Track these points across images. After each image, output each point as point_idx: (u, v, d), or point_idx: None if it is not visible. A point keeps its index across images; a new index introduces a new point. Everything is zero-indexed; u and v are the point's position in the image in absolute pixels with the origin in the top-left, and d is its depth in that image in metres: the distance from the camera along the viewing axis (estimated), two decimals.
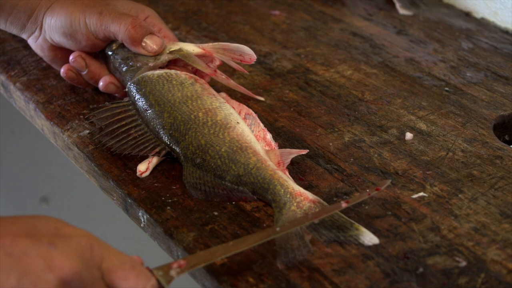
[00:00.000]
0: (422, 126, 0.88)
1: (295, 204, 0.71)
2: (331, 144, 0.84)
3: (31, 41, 0.91)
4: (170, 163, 0.81)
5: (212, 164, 0.76)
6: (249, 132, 0.79)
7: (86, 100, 0.92)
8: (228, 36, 1.10)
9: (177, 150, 0.79)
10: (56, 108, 0.91)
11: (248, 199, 0.75)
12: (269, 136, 0.81)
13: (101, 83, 0.89)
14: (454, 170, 0.80)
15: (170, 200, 0.75)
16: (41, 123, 0.91)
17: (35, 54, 1.02)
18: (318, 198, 0.72)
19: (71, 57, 0.89)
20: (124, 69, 0.87)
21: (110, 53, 0.89)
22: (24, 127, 1.59)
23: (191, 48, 0.87)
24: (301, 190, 0.73)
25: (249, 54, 0.86)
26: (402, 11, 1.20)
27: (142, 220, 0.75)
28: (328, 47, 1.07)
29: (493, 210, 0.74)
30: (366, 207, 0.74)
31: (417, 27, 1.15)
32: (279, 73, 1.00)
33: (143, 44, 0.86)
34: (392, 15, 1.19)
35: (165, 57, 0.86)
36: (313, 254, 0.68)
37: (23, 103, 0.95)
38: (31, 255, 0.54)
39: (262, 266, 0.67)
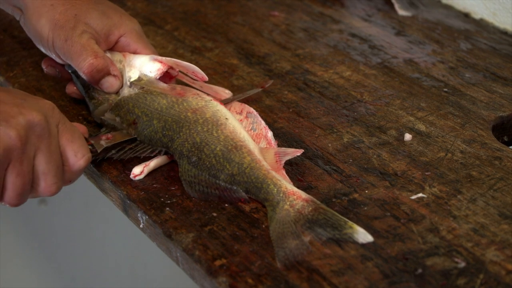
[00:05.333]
0: (421, 127, 0.88)
1: (288, 203, 0.71)
2: (330, 145, 0.84)
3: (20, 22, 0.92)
4: (169, 164, 0.81)
5: (207, 163, 0.76)
6: (240, 128, 0.79)
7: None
8: (227, 37, 1.10)
9: (173, 147, 0.79)
10: None
11: (241, 199, 0.75)
12: (270, 134, 0.81)
13: (67, 89, 0.92)
14: (453, 171, 0.80)
15: (169, 201, 0.75)
16: None
17: (34, 55, 1.02)
18: (312, 197, 0.72)
19: (43, 66, 0.91)
20: (85, 95, 0.89)
21: (70, 71, 0.90)
22: None
23: (149, 68, 0.87)
24: (294, 189, 0.73)
25: (200, 73, 0.86)
26: (401, 12, 1.20)
27: (141, 221, 0.75)
28: (327, 48, 1.08)
29: (492, 211, 0.74)
30: (365, 208, 0.74)
31: (416, 28, 1.15)
32: (278, 74, 1.00)
33: (100, 83, 0.87)
34: (391, 16, 1.19)
35: (125, 92, 0.86)
36: (311, 253, 0.68)
37: None
38: (7, 102, 0.68)
39: (261, 267, 0.67)
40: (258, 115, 0.83)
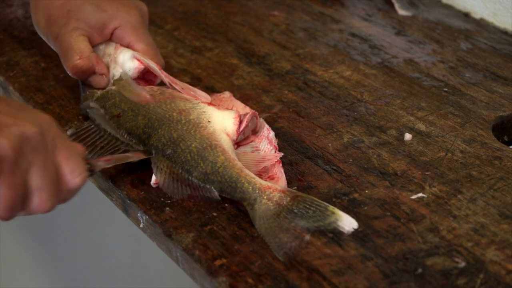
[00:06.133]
0: (421, 126, 0.88)
1: (265, 197, 0.71)
2: (330, 144, 0.84)
3: None
4: None
5: (182, 157, 0.76)
6: (220, 131, 0.78)
7: None
8: (227, 37, 1.10)
9: (149, 143, 0.79)
10: (55, 108, 0.91)
11: (212, 198, 0.74)
12: (272, 134, 0.81)
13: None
14: (453, 170, 0.80)
15: (169, 201, 0.75)
16: None
17: (33, 55, 1.02)
18: (288, 188, 0.72)
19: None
20: (80, 88, 0.90)
21: None
22: None
23: (128, 67, 0.87)
24: (269, 184, 0.72)
25: (158, 73, 0.86)
26: (401, 11, 1.20)
27: (141, 220, 0.75)
28: (327, 47, 1.08)
29: (492, 211, 0.74)
30: (365, 207, 0.74)
31: (416, 28, 1.15)
32: (278, 73, 1.00)
33: (88, 80, 0.88)
34: (391, 15, 1.19)
35: (112, 88, 0.87)
36: (311, 253, 0.68)
37: None
38: (3, 112, 0.64)
39: (261, 266, 0.67)
40: (259, 116, 0.83)
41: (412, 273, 0.66)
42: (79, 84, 0.90)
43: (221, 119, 0.80)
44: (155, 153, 0.78)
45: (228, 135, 0.78)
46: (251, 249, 0.69)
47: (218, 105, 0.85)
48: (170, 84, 0.86)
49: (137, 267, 1.58)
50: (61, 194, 0.68)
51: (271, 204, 0.71)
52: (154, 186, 0.77)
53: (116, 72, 0.88)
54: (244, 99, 0.91)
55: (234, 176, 0.73)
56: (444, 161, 0.82)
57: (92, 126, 0.84)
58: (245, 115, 0.80)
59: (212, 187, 0.74)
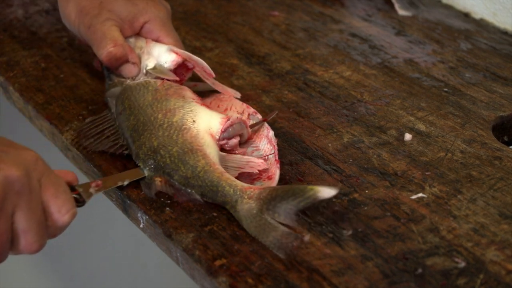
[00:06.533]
0: (421, 127, 0.88)
1: (246, 197, 0.71)
2: (330, 145, 0.84)
3: None
4: None
5: (162, 164, 0.76)
6: (204, 133, 0.78)
7: (85, 100, 0.92)
8: (227, 37, 1.10)
9: (132, 148, 0.80)
10: (55, 109, 0.91)
11: (196, 201, 0.74)
12: (271, 133, 0.81)
13: (94, 62, 0.96)
14: (453, 170, 0.80)
15: (169, 201, 0.75)
16: (40, 124, 0.91)
17: (34, 55, 1.02)
18: (269, 187, 0.72)
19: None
20: (106, 75, 0.91)
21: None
22: (23, 128, 1.59)
23: (165, 59, 0.89)
24: (250, 185, 0.73)
25: (208, 69, 0.88)
26: (401, 11, 1.20)
27: (141, 221, 0.75)
28: (327, 48, 1.08)
29: (492, 211, 0.74)
30: (365, 208, 0.74)
31: (416, 28, 1.15)
32: (278, 73, 1.00)
33: (119, 69, 0.89)
34: (391, 16, 1.19)
35: (141, 79, 0.88)
36: (311, 253, 0.68)
37: (22, 104, 0.95)
38: None
39: (261, 267, 0.67)
40: (260, 116, 0.83)
41: (412, 273, 0.66)
42: (105, 72, 0.91)
43: (208, 118, 0.80)
44: (135, 159, 0.78)
45: (212, 135, 0.78)
46: (251, 249, 0.69)
47: (218, 106, 0.85)
48: (205, 78, 0.89)
49: (137, 267, 1.58)
50: (49, 231, 0.68)
51: (252, 202, 0.70)
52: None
53: (149, 63, 0.89)
54: (244, 99, 0.91)
55: (215, 180, 0.73)
56: (444, 161, 0.82)
57: (109, 114, 0.86)
58: (233, 117, 0.80)
59: (193, 191, 0.74)
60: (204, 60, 0.90)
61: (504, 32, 1.14)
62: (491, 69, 1.02)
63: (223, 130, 0.78)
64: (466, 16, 1.20)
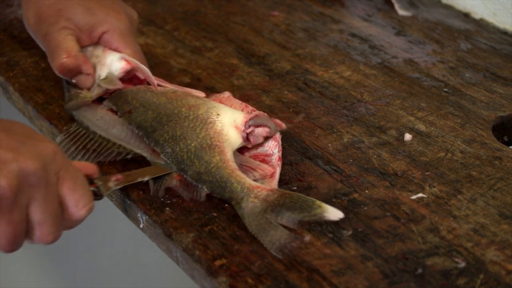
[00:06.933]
0: (421, 127, 0.88)
1: (252, 195, 0.71)
2: (330, 145, 0.84)
3: None
4: None
5: (179, 157, 0.76)
6: (229, 126, 0.79)
7: None
8: (227, 37, 1.10)
9: (152, 137, 0.79)
10: (55, 109, 0.91)
11: (199, 197, 0.75)
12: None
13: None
14: (453, 171, 0.80)
15: (169, 201, 0.75)
16: (40, 124, 0.91)
17: (34, 55, 1.02)
18: (276, 188, 0.72)
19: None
20: (65, 87, 0.90)
21: None
22: None
23: (115, 67, 0.88)
24: (258, 184, 0.73)
25: (152, 80, 0.86)
26: (401, 12, 1.20)
27: (141, 221, 0.75)
28: (327, 48, 1.08)
29: (492, 211, 0.74)
30: (365, 208, 0.74)
31: (416, 28, 1.15)
32: (278, 74, 1.00)
33: (74, 79, 0.88)
34: (391, 16, 1.19)
35: (95, 91, 0.87)
36: (311, 253, 0.68)
37: (22, 104, 0.95)
38: (3, 146, 0.62)
39: (261, 267, 0.67)
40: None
41: (412, 273, 0.66)
42: (64, 85, 0.91)
43: (231, 112, 0.81)
44: (155, 146, 0.78)
45: (237, 127, 0.79)
46: (251, 249, 0.69)
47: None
48: (159, 85, 0.87)
49: (137, 267, 1.58)
50: (65, 224, 0.68)
51: (258, 201, 0.71)
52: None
53: (102, 72, 0.88)
54: (244, 99, 0.91)
55: (225, 176, 0.74)
56: (444, 161, 0.82)
57: (81, 129, 0.84)
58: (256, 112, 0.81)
59: (204, 187, 0.74)
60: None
61: (504, 32, 1.14)
62: (491, 69, 1.02)
63: (250, 118, 0.79)
64: (466, 16, 1.20)
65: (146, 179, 0.76)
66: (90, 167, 0.72)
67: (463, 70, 1.02)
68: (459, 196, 0.76)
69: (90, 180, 0.71)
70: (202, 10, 1.19)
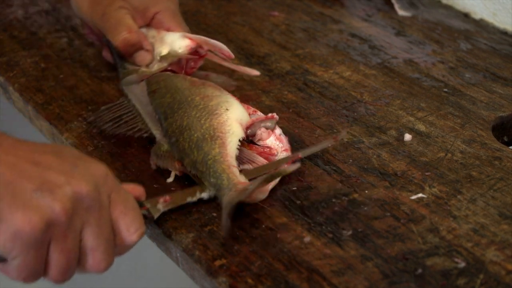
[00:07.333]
0: (421, 127, 0.88)
1: (233, 189, 0.71)
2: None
3: None
4: None
5: (180, 146, 0.77)
6: (234, 121, 0.79)
7: (85, 101, 0.92)
8: (227, 37, 1.10)
9: (163, 124, 0.81)
10: (55, 109, 0.91)
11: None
12: (278, 131, 0.82)
13: (103, 52, 0.98)
14: (453, 171, 0.80)
15: None
16: (40, 124, 0.92)
17: (33, 55, 1.02)
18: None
19: (85, 32, 1.00)
20: (118, 64, 0.92)
21: (106, 41, 0.94)
22: (23, 128, 1.59)
23: (179, 45, 0.90)
24: (247, 181, 0.73)
25: (227, 51, 0.90)
26: (401, 12, 1.20)
27: None
28: (327, 48, 1.08)
29: (492, 211, 0.74)
30: (365, 208, 0.74)
31: (416, 28, 1.15)
32: (277, 74, 1.00)
33: (133, 56, 0.91)
34: (391, 16, 1.19)
35: (155, 67, 0.90)
36: (311, 253, 0.68)
37: (22, 104, 0.95)
38: (55, 169, 0.61)
39: (261, 267, 0.67)
40: (260, 113, 0.84)
41: (412, 273, 0.66)
42: (117, 61, 0.93)
43: (241, 111, 0.81)
44: (164, 135, 0.80)
45: (241, 124, 0.79)
46: (251, 250, 0.69)
47: None
48: (222, 62, 0.93)
49: (137, 267, 1.58)
50: (116, 249, 0.65)
51: (234, 194, 0.71)
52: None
53: (163, 50, 0.91)
54: (244, 99, 0.91)
55: (218, 171, 0.73)
56: (444, 162, 0.82)
57: (125, 101, 0.86)
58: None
59: (197, 175, 0.75)
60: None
61: (504, 32, 1.14)
62: (491, 69, 1.02)
63: (253, 121, 0.80)
64: (466, 16, 1.20)
65: (195, 199, 0.74)
66: (138, 190, 0.69)
67: (463, 70, 1.02)
68: (459, 196, 0.76)
69: (140, 203, 0.69)
70: (202, 10, 1.19)
